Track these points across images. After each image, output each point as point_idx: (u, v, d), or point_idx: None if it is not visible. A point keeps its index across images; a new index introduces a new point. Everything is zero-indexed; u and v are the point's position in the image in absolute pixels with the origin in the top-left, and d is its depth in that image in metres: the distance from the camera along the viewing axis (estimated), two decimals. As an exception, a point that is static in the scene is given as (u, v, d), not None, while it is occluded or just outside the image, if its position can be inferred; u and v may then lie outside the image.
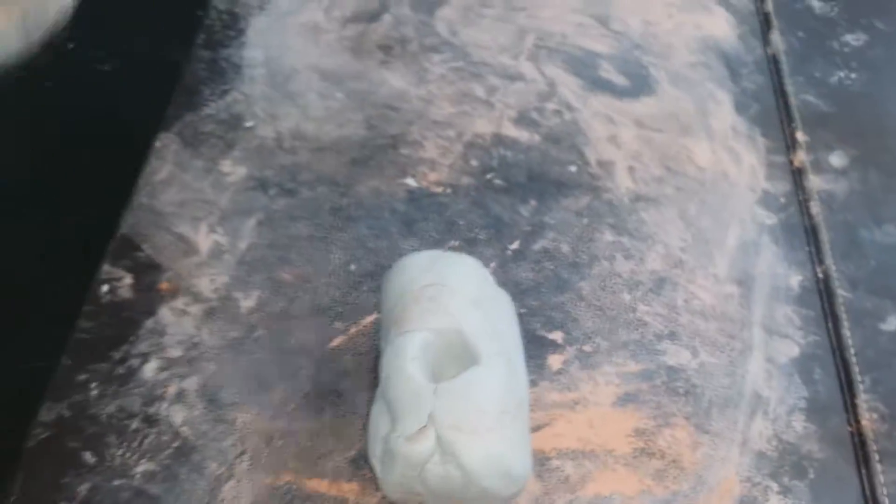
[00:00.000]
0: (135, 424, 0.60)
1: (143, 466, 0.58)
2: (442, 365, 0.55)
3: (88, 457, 0.59)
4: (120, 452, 0.59)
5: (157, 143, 0.77)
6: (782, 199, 0.75)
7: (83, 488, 0.57)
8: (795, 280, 0.70)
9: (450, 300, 0.56)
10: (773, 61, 0.85)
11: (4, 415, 0.61)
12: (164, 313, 0.66)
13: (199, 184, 0.74)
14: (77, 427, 0.60)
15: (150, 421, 0.60)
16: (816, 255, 0.71)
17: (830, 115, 0.81)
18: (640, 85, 0.83)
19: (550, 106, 0.81)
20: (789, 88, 0.82)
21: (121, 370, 0.63)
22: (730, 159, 0.78)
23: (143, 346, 0.64)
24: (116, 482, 0.58)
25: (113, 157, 0.76)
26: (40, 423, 0.60)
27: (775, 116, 0.81)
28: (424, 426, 0.52)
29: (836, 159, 0.77)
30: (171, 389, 0.62)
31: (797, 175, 0.76)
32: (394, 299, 0.58)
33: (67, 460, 0.58)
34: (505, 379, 0.54)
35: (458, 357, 0.55)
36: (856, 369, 0.64)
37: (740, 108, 0.82)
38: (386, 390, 0.54)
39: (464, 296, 0.57)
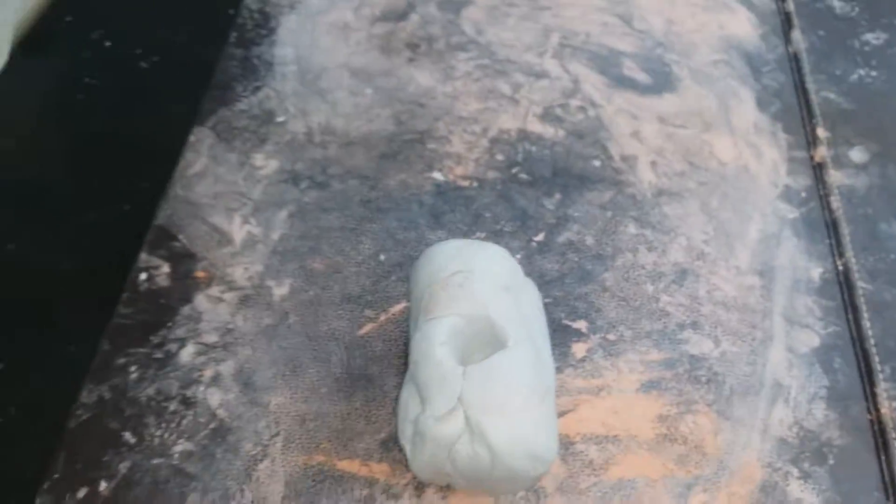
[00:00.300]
0: (173, 406, 0.62)
1: (180, 446, 0.60)
2: (470, 350, 0.57)
3: (128, 437, 0.61)
4: (158, 433, 0.61)
5: (192, 138, 0.79)
6: (803, 194, 0.76)
7: (123, 466, 0.59)
8: (816, 272, 0.71)
9: (477, 287, 0.58)
10: (795, 59, 0.87)
11: (48, 396, 0.63)
12: (200, 300, 0.68)
13: (233, 176, 0.76)
14: (117, 408, 0.62)
15: (188, 403, 0.62)
16: (837, 248, 0.72)
17: (851, 112, 0.82)
18: (662, 82, 0.85)
19: (575, 102, 0.83)
20: (810, 86, 0.84)
21: (159, 354, 0.65)
22: (751, 154, 0.79)
23: (180, 332, 0.66)
24: (155, 461, 0.60)
25: (150, 151, 0.79)
26: (81, 404, 0.62)
27: (797, 113, 0.82)
28: (453, 408, 0.53)
29: (857, 155, 0.79)
30: (208, 373, 0.64)
31: (818, 170, 0.78)
32: (422, 287, 0.60)
33: (108, 440, 0.60)
34: (532, 362, 0.55)
35: (486, 342, 0.57)
36: (876, 359, 0.65)
37: (762, 105, 0.83)
38: (415, 374, 0.56)
39: (491, 282, 0.59)
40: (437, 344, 0.56)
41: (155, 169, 0.77)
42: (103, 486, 0.58)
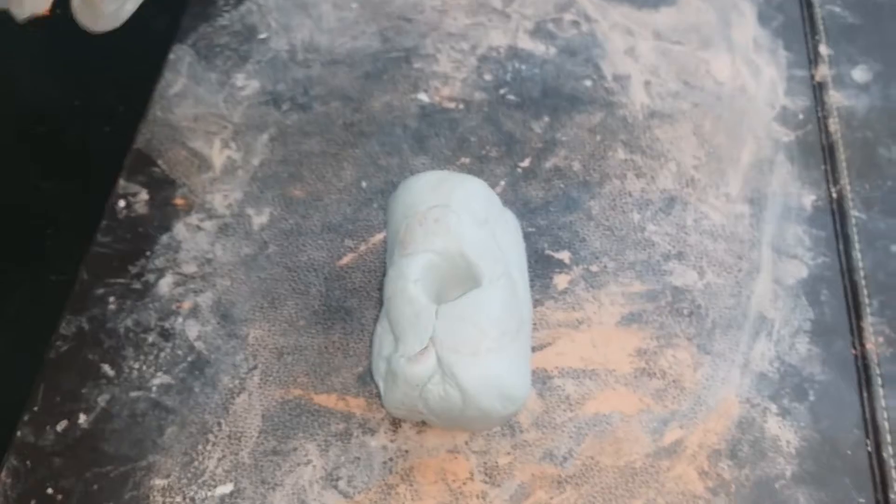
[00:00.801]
0: (151, 338, 0.62)
1: (159, 379, 0.61)
2: (445, 287, 0.56)
3: (107, 369, 0.61)
4: (137, 365, 0.61)
5: (172, 56, 0.77)
6: (801, 116, 0.74)
7: (102, 399, 0.60)
8: (808, 200, 0.69)
9: (454, 222, 0.57)
10: (801, -32, 0.83)
11: (28, 327, 0.64)
12: (179, 229, 0.67)
13: (213, 98, 0.74)
14: (96, 340, 0.62)
15: (166, 335, 0.62)
16: (832, 174, 0.70)
17: (856, 28, 0.78)
18: (661, -6, 0.81)
19: (568, 17, 0.79)
20: (815, -1, 0.80)
21: (137, 285, 0.65)
22: (749, 73, 0.76)
23: (158, 262, 0.66)
24: (133, 394, 0.60)
25: (128, 70, 0.77)
26: (61, 335, 0.62)
27: (800, 28, 0.79)
28: (425, 347, 0.53)
29: (859, 74, 0.75)
30: (186, 305, 0.64)
31: (818, 90, 0.75)
32: (399, 220, 0.59)
33: (86, 372, 0.61)
34: (506, 300, 0.54)
35: (461, 279, 0.56)
36: (864, 292, 0.64)
37: (764, 19, 0.80)
38: (389, 311, 0.56)
39: (468, 217, 0.57)
40: (410, 281, 0.55)
41: (134, 89, 0.75)
42: (82, 418, 0.59)
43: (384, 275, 0.63)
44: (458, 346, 0.52)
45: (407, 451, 0.58)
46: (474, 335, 0.53)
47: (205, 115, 0.73)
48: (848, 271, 0.65)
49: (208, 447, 0.58)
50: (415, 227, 0.57)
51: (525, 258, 0.61)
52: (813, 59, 0.77)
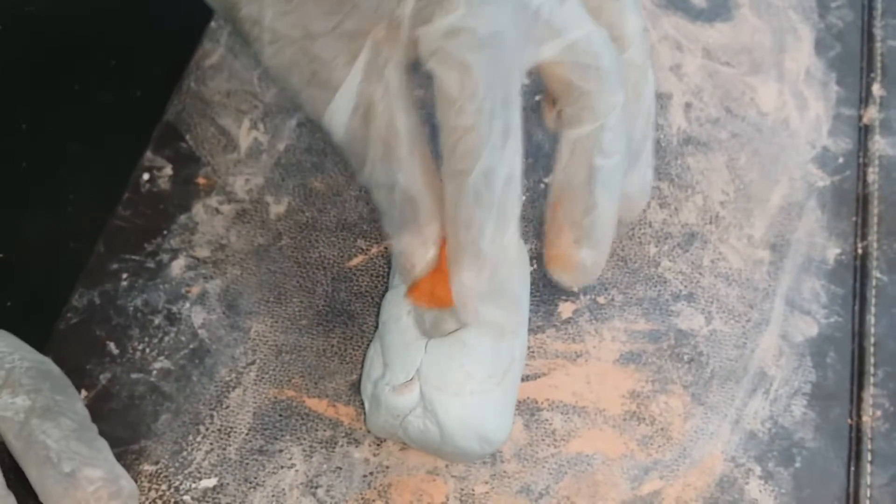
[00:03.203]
0: (157, 321, 0.64)
1: (160, 364, 0.62)
2: (442, 317, 0.57)
3: (112, 347, 0.63)
4: (140, 347, 0.63)
5: (213, 24, 0.77)
6: (841, 160, 0.71)
7: (104, 377, 0.62)
8: (832, 253, 0.67)
9: (458, 253, 0.57)
10: (868, -5, 0.78)
11: (43, 294, 0.66)
12: (198, 210, 0.68)
13: (248, 74, 0.74)
14: (105, 316, 0.64)
15: (172, 319, 0.64)
16: (861, 228, 0.68)
17: (916, 69, 0.75)
18: (718, 7, 0.78)
19: (618, 23, 0.77)
20: (878, 31, 0.76)
21: (150, 264, 0.66)
22: (795, 106, 0.73)
23: (174, 242, 0.67)
24: (134, 375, 0.62)
25: (169, 33, 0.77)
26: (73, 307, 0.64)
27: (856, 62, 0.75)
28: (410, 380, 0.54)
29: (910, 121, 0.72)
30: (195, 290, 0.65)
31: (863, 133, 0.72)
32: (405, 241, 0.59)
33: (92, 348, 0.63)
34: (496, 343, 0.55)
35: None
36: (871, 360, 0.63)
37: (820, 48, 0.76)
38: (382, 335, 0.56)
39: (474, 248, 0.57)
40: (405, 311, 0.55)
41: (171, 54, 0.75)
42: (83, 394, 0.61)
43: (388, 288, 0.64)
44: (442, 385, 0.53)
45: (388, 468, 0.59)
46: (459, 376, 0.53)
47: (237, 92, 0.73)
48: (858, 335, 0.64)
49: (198, 438, 0.60)
50: (419, 253, 0.57)
51: (528, 293, 0.60)
52: (864, 99, 0.73)
